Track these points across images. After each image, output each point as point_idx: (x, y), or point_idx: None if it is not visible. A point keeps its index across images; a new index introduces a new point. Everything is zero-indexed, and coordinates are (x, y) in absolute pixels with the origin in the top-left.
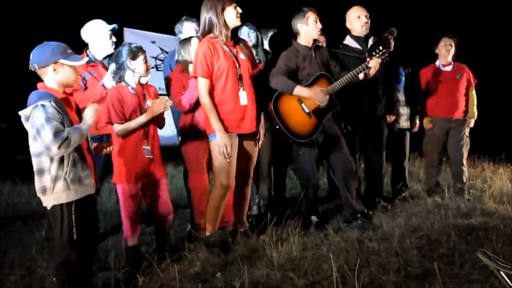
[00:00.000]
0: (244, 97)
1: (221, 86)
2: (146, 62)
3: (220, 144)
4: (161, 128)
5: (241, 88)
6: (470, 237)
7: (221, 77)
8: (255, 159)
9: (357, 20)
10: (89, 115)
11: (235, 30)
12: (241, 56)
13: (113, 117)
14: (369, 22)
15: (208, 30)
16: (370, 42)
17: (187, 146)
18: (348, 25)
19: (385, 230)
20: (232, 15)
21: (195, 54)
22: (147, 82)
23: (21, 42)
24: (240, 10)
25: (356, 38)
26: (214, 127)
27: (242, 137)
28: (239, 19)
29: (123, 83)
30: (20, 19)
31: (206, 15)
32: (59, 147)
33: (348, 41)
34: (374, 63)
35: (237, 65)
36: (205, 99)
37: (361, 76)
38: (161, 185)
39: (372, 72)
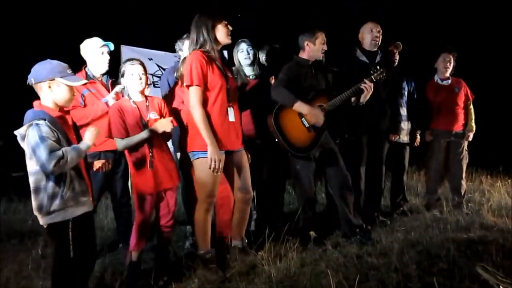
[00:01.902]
0: (232, 113)
1: (212, 101)
2: (133, 75)
3: (214, 157)
4: (166, 141)
5: (230, 104)
6: (469, 251)
7: (213, 91)
8: (249, 174)
9: (369, 33)
10: (89, 136)
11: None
12: (229, 74)
13: (114, 132)
14: (380, 38)
15: (199, 47)
16: (378, 58)
17: (187, 162)
18: (360, 37)
19: (384, 245)
20: (222, 32)
21: (188, 64)
22: None
23: (21, 61)
24: (230, 28)
25: (365, 52)
26: (207, 140)
27: (230, 154)
28: (229, 37)
29: (126, 97)
30: (22, 37)
31: (196, 32)
32: (54, 165)
33: (358, 54)
34: (367, 85)
35: (227, 81)
36: (197, 110)
37: (353, 99)
38: (168, 196)
39: (365, 95)
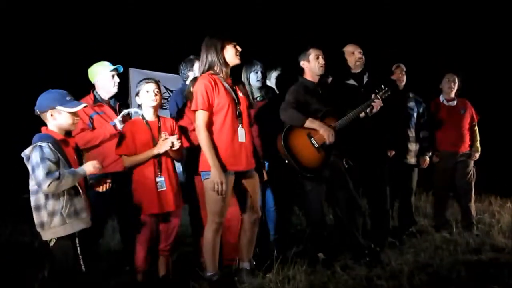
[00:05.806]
0: (243, 134)
1: (220, 122)
2: (148, 92)
3: (216, 180)
4: (178, 161)
5: (240, 125)
6: (480, 273)
7: (220, 112)
8: (259, 196)
9: (351, 56)
10: (89, 167)
11: (233, 70)
12: (240, 94)
13: (123, 148)
14: (363, 58)
15: (208, 68)
16: (365, 78)
17: (198, 182)
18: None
19: (394, 267)
20: (231, 53)
21: (195, 89)
22: None
23: (33, 87)
24: (239, 49)
25: (351, 75)
26: (210, 162)
27: (241, 175)
28: (238, 57)
29: (140, 116)
30: (36, 63)
31: (206, 54)
32: (48, 185)
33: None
34: (377, 102)
35: (237, 102)
36: (202, 134)
37: (362, 114)
38: (171, 218)
39: (374, 111)
